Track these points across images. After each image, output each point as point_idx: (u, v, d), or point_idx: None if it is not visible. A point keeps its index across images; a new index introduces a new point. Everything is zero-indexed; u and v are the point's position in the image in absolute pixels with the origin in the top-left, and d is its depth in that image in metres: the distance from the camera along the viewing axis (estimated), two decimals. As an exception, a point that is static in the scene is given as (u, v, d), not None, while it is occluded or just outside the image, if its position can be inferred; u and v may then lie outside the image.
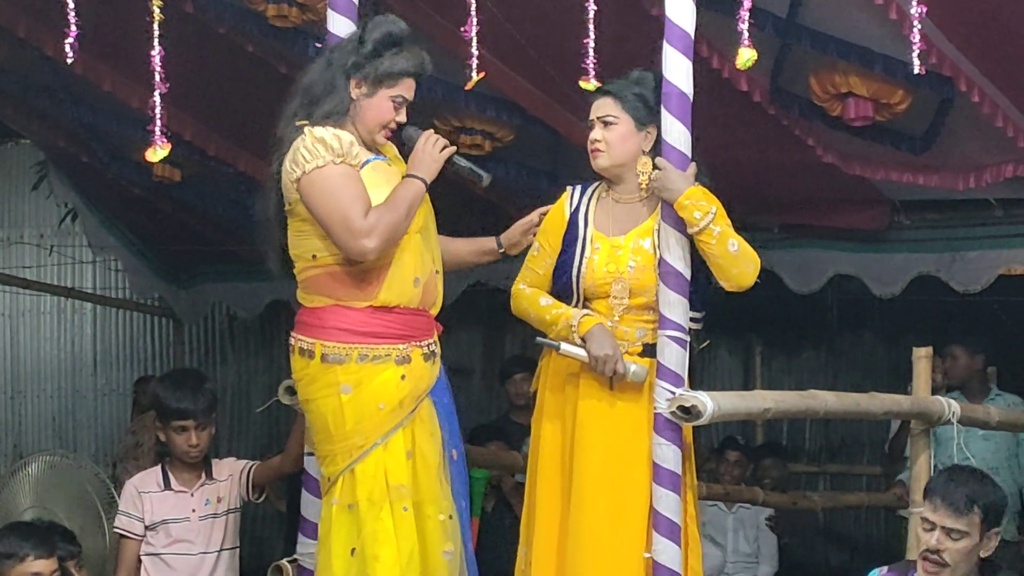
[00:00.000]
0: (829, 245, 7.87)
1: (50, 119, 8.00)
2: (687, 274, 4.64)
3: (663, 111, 4.61)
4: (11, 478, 6.53)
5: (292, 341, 4.67)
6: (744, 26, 4.47)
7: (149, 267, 9.81)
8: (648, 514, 4.71)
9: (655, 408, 4.61)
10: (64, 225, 10.47)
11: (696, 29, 4.61)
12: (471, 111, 6.73)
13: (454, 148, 4.70)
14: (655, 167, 4.69)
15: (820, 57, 5.88)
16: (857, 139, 6.44)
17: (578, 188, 4.99)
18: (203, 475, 5.58)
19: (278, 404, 5.27)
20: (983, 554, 4.61)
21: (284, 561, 5.27)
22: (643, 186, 4.84)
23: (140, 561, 5.53)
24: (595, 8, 4.79)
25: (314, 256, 4.60)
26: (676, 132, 4.61)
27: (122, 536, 5.56)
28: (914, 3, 4.67)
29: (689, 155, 4.65)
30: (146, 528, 5.51)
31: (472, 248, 5.13)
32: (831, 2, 5.61)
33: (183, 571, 5.49)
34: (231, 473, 5.63)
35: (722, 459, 8.32)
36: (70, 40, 4.58)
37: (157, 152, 4.77)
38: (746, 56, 4.51)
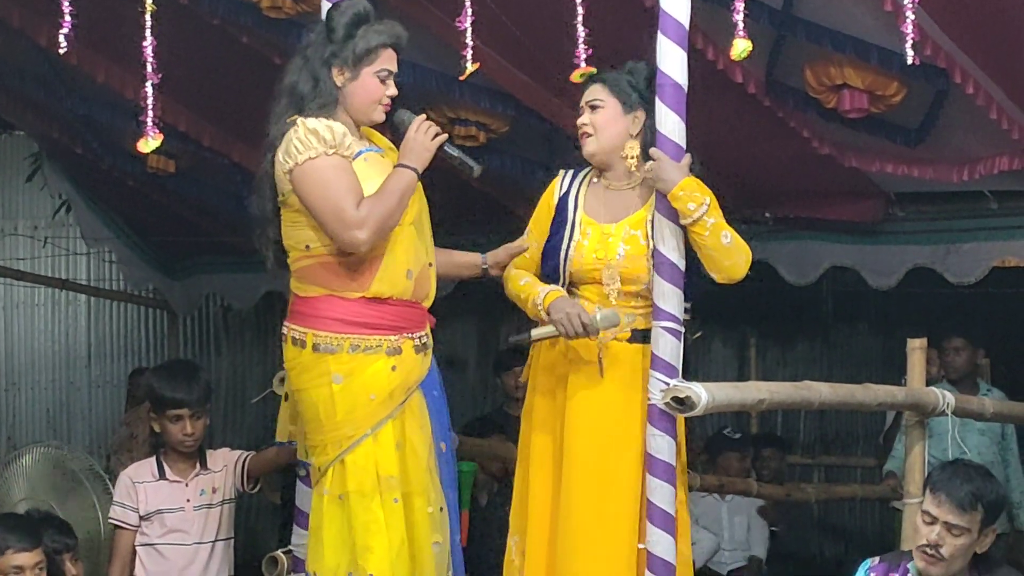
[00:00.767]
0: (825, 237, 7.88)
1: (44, 110, 7.99)
2: (681, 265, 4.64)
3: (658, 102, 4.61)
4: (4, 470, 6.52)
5: (285, 330, 4.67)
6: (739, 17, 4.46)
7: (143, 259, 9.79)
8: (639, 501, 4.72)
9: (649, 399, 4.60)
10: (58, 217, 10.45)
11: (691, 20, 4.60)
12: (465, 102, 6.72)
13: (446, 136, 4.70)
14: (649, 158, 4.69)
15: (815, 49, 5.88)
16: (852, 131, 6.45)
17: (569, 173, 5.02)
18: (197, 465, 5.59)
19: (273, 395, 5.27)
20: (978, 550, 4.62)
21: (279, 552, 5.28)
22: (632, 170, 4.88)
23: (135, 552, 5.54)
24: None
25: (307, 246, 4.60)
26: (671, 123, 4.60)
27: (117, 527, 5.57)
28: (908, -6, 4.67)
29: (684, 146, 4.64)
30: (141, 518, 5.52)
31: (456, 261, 5.10)
32: (826, -7, 5.62)
33: (178, 562, 5.50)
34: (226, 463, 5.64)
35: (721, 456, 8.33)
36: (64, 31, 4.57)
37: (149, 143, 4.76)
38: (741, 47, 4.51)
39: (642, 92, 4.84)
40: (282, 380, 5.14)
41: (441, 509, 4.66)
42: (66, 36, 4.60)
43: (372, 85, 4.63)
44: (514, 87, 6.54)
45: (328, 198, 4.49)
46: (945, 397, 5.36)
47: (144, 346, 11.15)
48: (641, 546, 4.65)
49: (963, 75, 5.75)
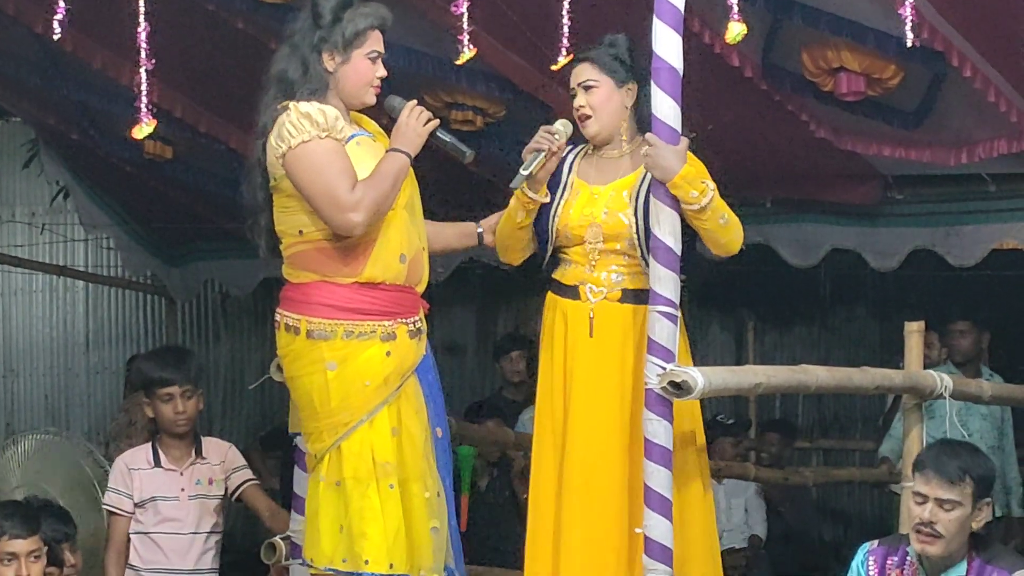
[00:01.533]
0: (826, 219, 7.87)
1: (41, 97, 7.97)
2: (678, 250, 4.63)
3: (653, 86, 4.60)
4: (0, 456, 6.52)
5: (278, 317, 4.67)
6: (734, 1, 4.45)
7: (141, 245, 9.79)
8: (629, 472, 4.75)
9: (646, 383, 4.59)
10: (56, 203, 10.44)
11: (687, 4, 4.59)
12: (462, 86, 6.71)
13: (438, 121, 4.70)
14: (648, 129, 4.68)
15: (812, 32, 5.87)
16: (849, 114, 6.44)
17: (569, 147, 5.04)
18: (193, 453, 5.59)
19: (270, 381, 5.27)
20: (975, 525, 4.62)
21: (277, 538, 5.28)
22: (624, 139, 4.93)
23: (130, 539, 5.54)
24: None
25: (300, 232, 4.59)
26: (666, 107, 4.59)
27: (111, 513, 5.57)
28: (905, -24, 4.66)
29: (679, 130, 4.63)
30: (135, 505, 5.52)
31: (449, 233, 5.11)
32: (823, -24, 5.61)
33: (172, 552, 5.49)
34: (222, 459, 5.64)
35: (715, 443, 8.34)
36: (58, 17, 4.56)
37: (143, 128, 4.76)
38: (736, 31, 4.51)
39: (627, 64, 4.90)
40: (280, 366, 5.14)
41: (438, 495, 4.66)
42: (60, 23, 4.59)
43: (364, 67, 4.63)
44: (511, 71, 6.53)
45: (322, 181, 4.48)
46: (943, 380, 5.36)
47: (142, 332, 11.15)
48: (639, 531, 4.65)
49: (960, 58, 5.74)
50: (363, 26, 4.60)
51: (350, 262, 4.57)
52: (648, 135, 4.66)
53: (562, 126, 4.92)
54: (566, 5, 4.83)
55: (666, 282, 4.60)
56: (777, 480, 8.07)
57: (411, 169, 4.67)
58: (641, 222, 4.80)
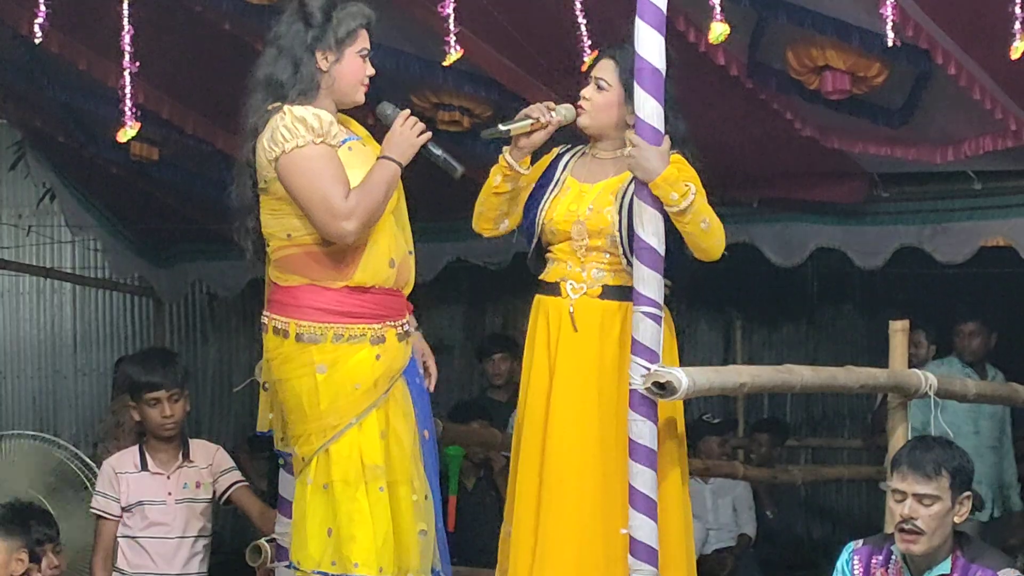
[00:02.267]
0: (811, 218, 7.89)
1: (27, 99, 7.96)
2: (661, 250, 4.64)
3: (636, 87, 4.61)
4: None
5: (265, 320, 4.66)
6: (716, 1, 4.46)
7: (128, 247, 9.77)
8: (614, 468, 4.74)
9: (630, 384, 4.60)
10: (42, 205, 10.41)
11: (672, 4, 4.60)
12: (449, 87, 6.72)
13: (430, 134, 4.69)
14: (629, 143, 4.69)
15: (797, 31, 5.87)
16: (835, 112, 6.44)
17: (567, 145, 5.08)
18: (180, 456, 5.57)
19: (256, 383, 5.26)
20: (957, 520, 4.64)
21: (263, 540, 5.28)
22: (619, 142, 4.92)
23: (117, 543, 5.52)
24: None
25: (289, 235, 4.59)
26: (649, 108, 4.60)
27: (99, 517, 5.55)
28: (888, -25, 4.67)
29: (662, 130, 4.65)
30: (123, 509, 5.50)
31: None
32: (807, -25, 5.62)
33: (159, 556, 5.48)
34: (209, 463, 5.63)
35: (701, 442, 8.34)
36: (39, 20, 4.55)
37: (127, 132, 4.75)
38: (718, 31, 4.53)
39: None
40: (266, 369, 5.14)
41: (426, 497, 4.66)
42: (41, 26, 4.58)
43: (356, 65, 4.65)
44: (497, 72, 6.53)
45: (316, 188, 4.48)
46: (927, 379, 5.38)
47: (130, 334, 11.12)
48: (624, 531, 4.65)
49: (945, 56, 5.75)
50: (354, 25, 4.62)
51: (340, 266, 4.57)
52: (630, 135, 4.67)
53: (564, 109, 4.92)
54: (578, 4, 4.83)
55: (650, 282, 4.61)
56: (765, 479, 8.08)
57: None
58: (624, 220, 4.81)
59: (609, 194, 4.88)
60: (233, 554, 6.25)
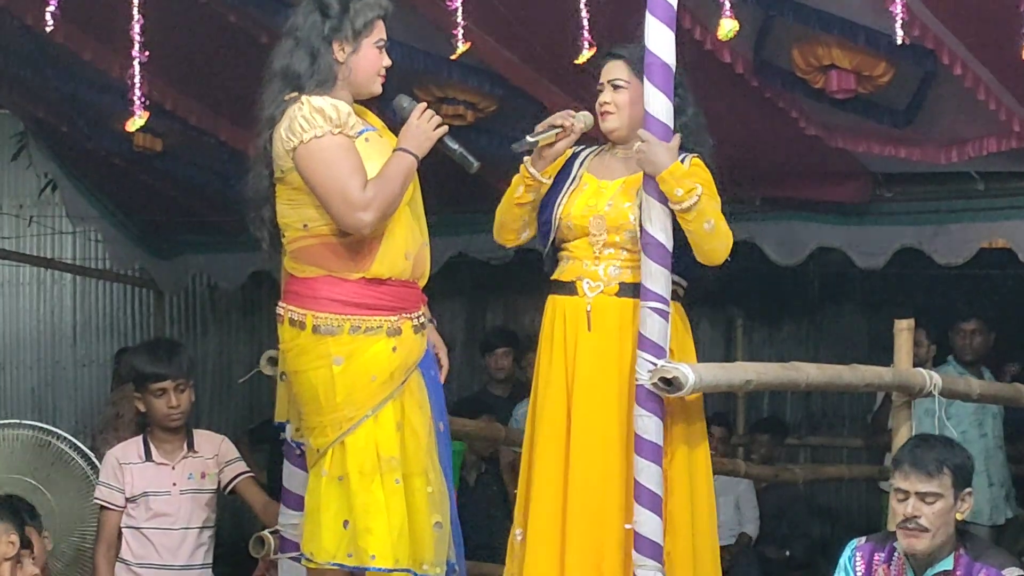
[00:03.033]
0: (812, 217, 7.89)
1: (30, 89, 7.95)
2: (669, 246, 4.65)
3: (646, 82, 4.61)
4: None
5: (281, 311, 4.65)
6: (725, -3, 4.47)
7: (129, 238, 9.76)
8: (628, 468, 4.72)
9: (637, 379, 4.60)
10: (43, 196, 10.40)
11: (679, 1, 4.60)
12: (453, 81, 6.71)
13: (447, 127, 4.69)
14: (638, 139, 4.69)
15: (803, 29, 5.88)
16: (840, 112, 6.45)
17: (583, 145, 5.05)
18: (185, 446, 5.57)
19: (259, 375, 5.26)
20: (959, 516, 4.66)
21: (266, 532, 5.27)
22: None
23: (121, 534, 5.52)
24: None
25: (305, 225, 4.59)
26: (658, 103, 4.61)
27: (103, 507, 5.54)
28: (897, -26, 4.67)
29: (672, 126, 4.65)
30: (127, 500, 5.50)
31: None
32: (814, -26, 5.62)
33: (163, 548, 5.47)
34: (216, 453, 5.62)
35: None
36: (50, 8, 4.54)
37: (136, 121, 4.75)
38: (728, 27, 4.52)
39: None
40: (270, 360, 5.13)
41: (441, 489, 4.65)
42: (52, 15, 4.57)
43: (373, 55, 4.65)
44: (502, 67, 6.53)
45: (334, 178, 4.48)
46: (932, 378, 5.38)
47: (130, 325, 11.12)
48: (628, 526, 4.65)
49: (951, 56, 5.75)
50: (371, 16, 4.62)
51: (357, 258, 4.57)
52: (640, 131, 4.67)
53: (584, 117, 4.91)
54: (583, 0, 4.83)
55: (657, 278, 4.61)
56: (767, 477, 8.08)
57: None
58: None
59: (629, 190, 4.86)
60: (231, 546, 6.25)
